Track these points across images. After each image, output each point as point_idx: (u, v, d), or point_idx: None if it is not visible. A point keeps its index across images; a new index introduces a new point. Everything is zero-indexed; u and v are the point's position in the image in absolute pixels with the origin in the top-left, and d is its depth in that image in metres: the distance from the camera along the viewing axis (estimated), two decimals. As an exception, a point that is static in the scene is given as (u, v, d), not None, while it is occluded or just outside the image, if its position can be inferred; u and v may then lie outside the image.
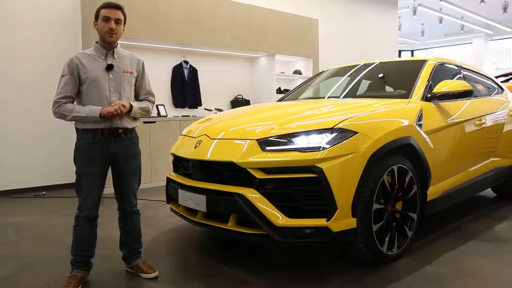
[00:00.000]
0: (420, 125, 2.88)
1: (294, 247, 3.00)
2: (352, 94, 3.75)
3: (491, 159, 3.87)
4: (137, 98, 2.58)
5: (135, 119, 2.52)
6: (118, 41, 2.47)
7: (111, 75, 2.40)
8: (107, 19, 2.35)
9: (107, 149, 2.39)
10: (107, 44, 2.40)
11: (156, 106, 5.96)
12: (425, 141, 2.89)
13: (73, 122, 2.43)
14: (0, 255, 2.97)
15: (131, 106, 2.41)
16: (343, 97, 3.68)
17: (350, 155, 2.38)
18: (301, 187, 2.34)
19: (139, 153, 2.57)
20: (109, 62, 2.40)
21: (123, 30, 2.46)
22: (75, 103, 2.41)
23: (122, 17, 2.41)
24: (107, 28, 2.34)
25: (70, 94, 2.36)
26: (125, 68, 2.45)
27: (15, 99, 5.13)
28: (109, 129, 2.38)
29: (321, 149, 2.35)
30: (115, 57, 2.44)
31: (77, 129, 2.42)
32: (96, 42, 2.45)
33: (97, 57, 2.40)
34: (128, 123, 2.45)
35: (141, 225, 2.66)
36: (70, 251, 2.48)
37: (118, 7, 2.39)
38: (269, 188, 2.39)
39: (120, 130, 2.41)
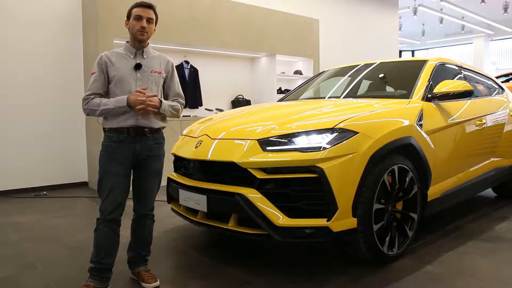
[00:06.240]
0: (420, 125, 2.89)
1: (294, 247, 3.00)
2: (352, 94, 3.76)
3: (492, 159, 3.87)
4: (166, 99, 2.52)
5: (162, 118, 2.46)
6: (148, 41, 2.44)
7: (138, 74, 2.37)
8: (139, 17, 2.34)
9: (131, 148, 2.33)
10: (138, 43, 2.39)
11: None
12: (425, 141, 2.89)
13: (101, 120, 2.39)
14: (0, 255, 2.97)
15: (161, 102, 2.36)
16: (344, 97, 3.68)
17: (350, 155, 2.38)
18: (302, 187, 2.34)
19: (163, 155, 2.50)
20: (138, 61, 2.38)
21: (155, 30, 2.44)
22: None
23: (153, 17, 2.40)
24: (138, 26, 2.34)
25: (99, 91, 2.35)
26: (153, 68, 2.42)
27: (15, 99, 5.13)
28: (134, 128, 2.33)
29: (321, 149, 2.35)
30: (145, 56, 2.42)
31: (104, 129, 2.39)
32: (127, 42, 2.44)
33: (127, 56, 2.39)
34: (154, 123, 2.40)
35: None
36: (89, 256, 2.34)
37: (150, 6, 2.40)
38: (270, 188, 2.39)
39: (146, 129, 2.36)
